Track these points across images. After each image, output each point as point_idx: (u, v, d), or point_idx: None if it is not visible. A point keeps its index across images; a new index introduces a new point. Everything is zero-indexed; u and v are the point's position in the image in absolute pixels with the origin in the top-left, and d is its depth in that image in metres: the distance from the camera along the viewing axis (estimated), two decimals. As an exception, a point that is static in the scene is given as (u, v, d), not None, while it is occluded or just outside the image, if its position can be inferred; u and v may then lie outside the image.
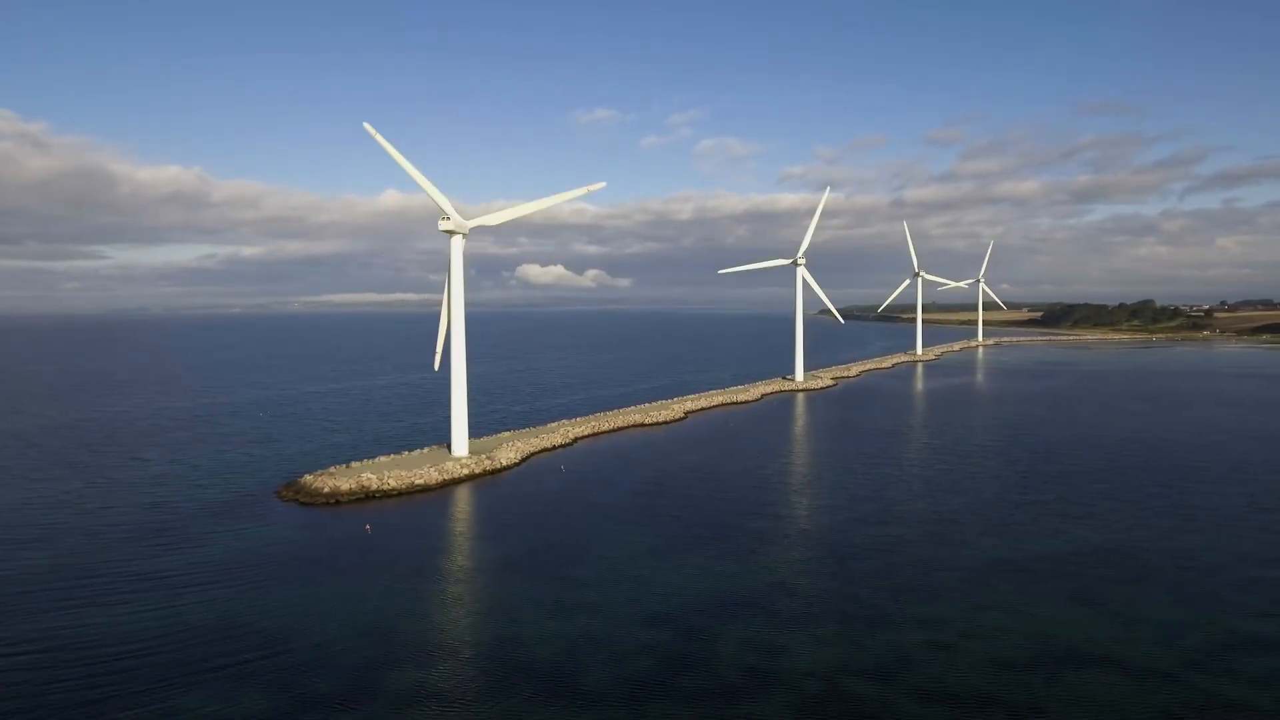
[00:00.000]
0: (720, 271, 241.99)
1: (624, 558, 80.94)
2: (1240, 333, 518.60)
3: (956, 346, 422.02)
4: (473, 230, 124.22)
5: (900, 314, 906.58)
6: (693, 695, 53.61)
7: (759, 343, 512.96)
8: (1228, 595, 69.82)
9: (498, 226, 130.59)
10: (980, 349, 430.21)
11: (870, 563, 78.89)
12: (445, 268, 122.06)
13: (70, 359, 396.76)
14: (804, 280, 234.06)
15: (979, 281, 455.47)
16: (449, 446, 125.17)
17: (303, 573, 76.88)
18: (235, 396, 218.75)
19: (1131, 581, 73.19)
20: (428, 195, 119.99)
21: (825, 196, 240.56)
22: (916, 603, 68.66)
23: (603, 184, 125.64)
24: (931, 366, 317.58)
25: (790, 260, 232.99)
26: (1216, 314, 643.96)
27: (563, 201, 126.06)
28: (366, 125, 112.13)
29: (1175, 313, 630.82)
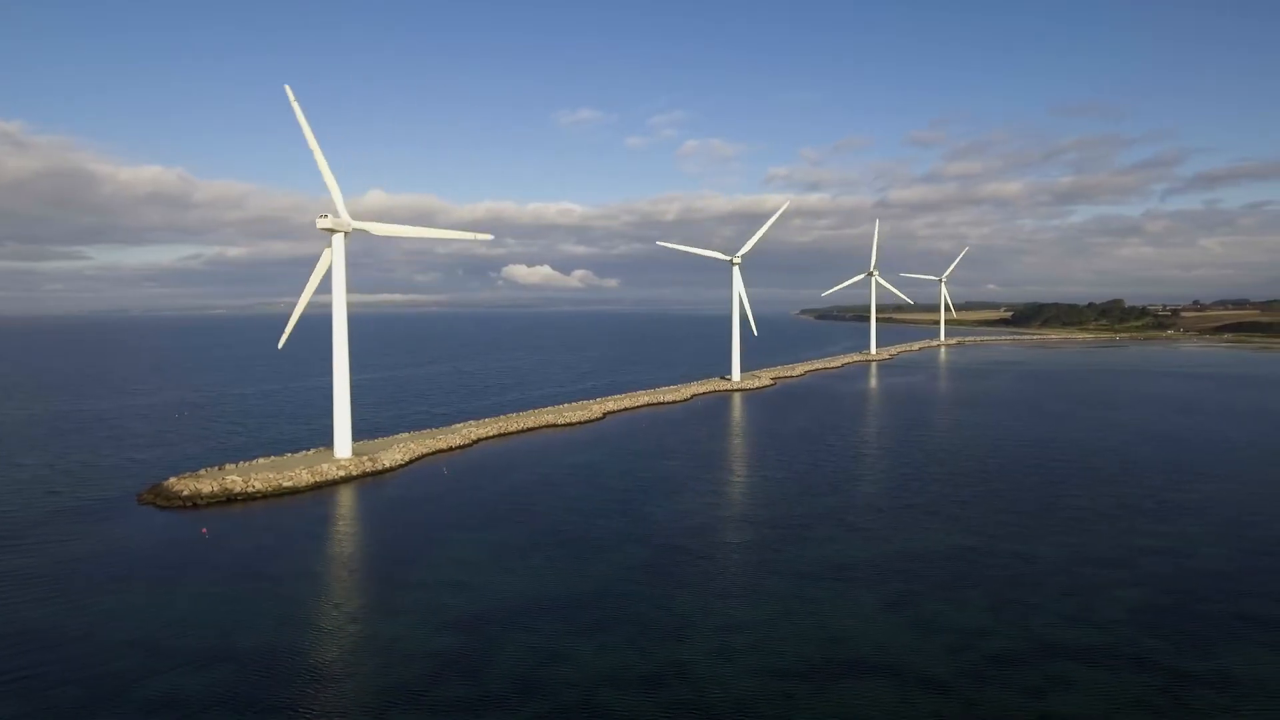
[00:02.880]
0: (658, 243, 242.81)
1: (453, 563, 79.06)
2: (1203, 332, 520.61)
3: (916, 346, 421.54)
4: (354, 233, 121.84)
5: (878, 314, 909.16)
6: (445, 705, 51.87)
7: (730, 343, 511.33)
8: (1045, 601, 68.37)
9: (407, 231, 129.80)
10: (942, 349, 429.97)
11: (701, 567, 77.23)
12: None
13: (17, 361, 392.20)
14: (740, 280, 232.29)
15: (941, 282, 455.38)
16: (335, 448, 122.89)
17: (116, 579, 74.72)
18: (159, 397, 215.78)
19: (954, 586, 71.73)
20: (328, 185, 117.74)
21: (783, 208, 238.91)
22: (724, 609, 67.01)
23: (489, 236, 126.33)
24: (881, 366, 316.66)
25: (728, 258, 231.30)
26: (1184, 313, 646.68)
27: (449, 238, 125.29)
28: (287, 88, 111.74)
29: (1143, 312, 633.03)
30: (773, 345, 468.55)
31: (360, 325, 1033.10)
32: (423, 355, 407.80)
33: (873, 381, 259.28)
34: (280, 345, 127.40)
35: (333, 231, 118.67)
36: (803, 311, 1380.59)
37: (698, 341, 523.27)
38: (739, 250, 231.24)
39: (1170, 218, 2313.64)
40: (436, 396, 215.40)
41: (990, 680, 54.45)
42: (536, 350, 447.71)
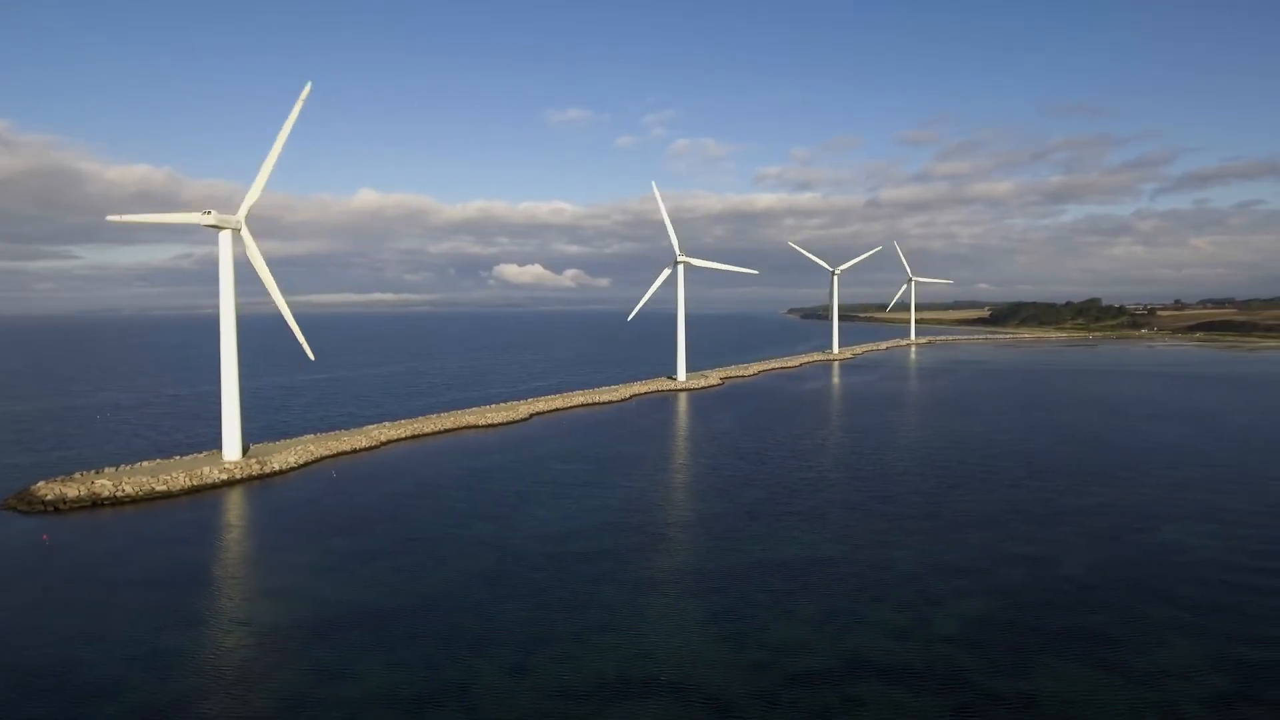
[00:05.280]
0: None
1: (289, 572, 76.36)
2: (1175, 331, 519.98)
3: (883, 345, 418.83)
4: (250, 222, 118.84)
5: (858, 313, 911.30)
6: (198, 727, 49.11)
7: (707, 341, 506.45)
8: (879, 614, 65.66)
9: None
10: (912, 348, 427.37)
11: (542, 576, 74.38)
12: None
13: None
14: (683, 278, 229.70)
15: (910, 281, 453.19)
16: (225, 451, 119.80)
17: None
18: (91, 398, 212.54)
19: (792, 597, 68.99)
20: (258, 181, 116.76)
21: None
22: (544, 621, 64.22)
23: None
24: (839, 366, 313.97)
25: (674, 261, 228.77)
26: (1160, 312, 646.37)
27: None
28: (309, 85, 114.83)
29: (1120, 311, 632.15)
30: (744, 343, 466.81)
31: (344, 325, 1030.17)
32: (387, 355, 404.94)
33: (822, 381, 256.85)
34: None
35: (218, 228, 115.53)
36: (790, 310, 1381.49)
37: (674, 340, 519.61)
38: (682, 253, 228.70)
39: (1160, 217, 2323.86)
40: (374, 397, 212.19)
41: (781, 701, 51.78)
42: (504, 350, 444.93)
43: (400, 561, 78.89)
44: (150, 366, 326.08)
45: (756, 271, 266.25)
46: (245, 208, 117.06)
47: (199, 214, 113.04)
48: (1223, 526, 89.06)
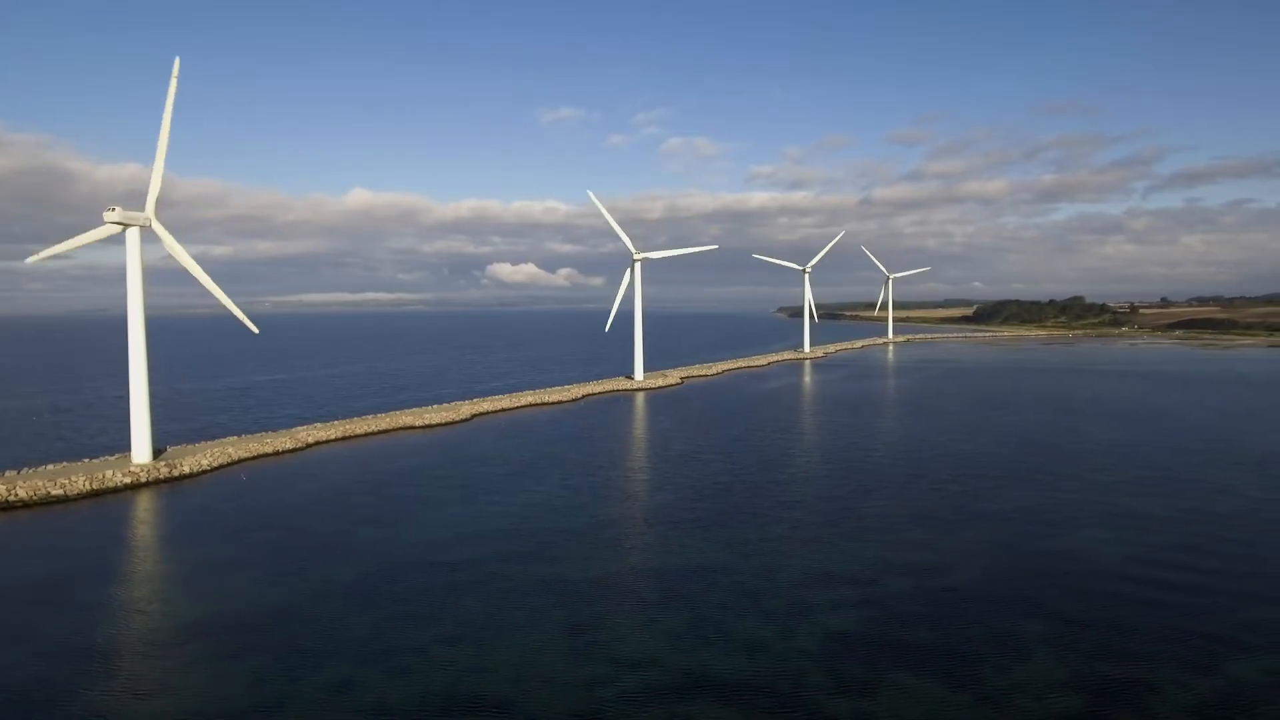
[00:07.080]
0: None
1: (144, 581, 74.31)
2: (1156, 329, 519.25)
3: (858, 344, 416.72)
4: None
5: (844, 312, 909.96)
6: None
7: (692, 340, 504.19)
8: (744, 624, 63.23)
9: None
10: (890, 346, 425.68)
11: (406, 585, 71.83)
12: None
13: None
14: (637, 276, 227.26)
15: (888, 279, 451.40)
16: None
17: None
18: (34, 400, 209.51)
19: (658, 607, 66.63)
20: (154, 173, 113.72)
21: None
22: (392, 633, 61.71)
23: (255, 331, 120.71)
24: (808, 365, 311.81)
25: (631, 258, 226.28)
26: (1142, 310, 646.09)
27: (220, 299, 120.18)
28: (177, 60, 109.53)
29: (1102, 309, 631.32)
30: (724, 342, 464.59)
31: (332, 325, 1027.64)
32: (356, 355, 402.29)
33: (784, 380, 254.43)
34: None
35: (125, 225, 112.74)
36: (779, 309, 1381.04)
37: (658, 340, 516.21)
38: (636, 251, 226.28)
39: (1152, 215, 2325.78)
40: (323, 398, 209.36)
41: (606, 720, 49.34)
42: (476, 349, 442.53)
43: (269, 570, 76.31)
44: (111, 367, 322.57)
45: (715, 246, 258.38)
46: (151, 201, 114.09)
47: (105, 209, 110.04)
48: (1130, 531, 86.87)
